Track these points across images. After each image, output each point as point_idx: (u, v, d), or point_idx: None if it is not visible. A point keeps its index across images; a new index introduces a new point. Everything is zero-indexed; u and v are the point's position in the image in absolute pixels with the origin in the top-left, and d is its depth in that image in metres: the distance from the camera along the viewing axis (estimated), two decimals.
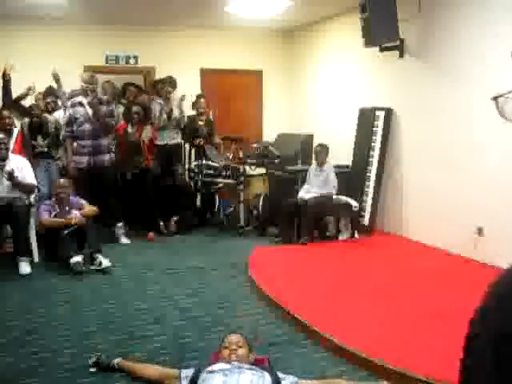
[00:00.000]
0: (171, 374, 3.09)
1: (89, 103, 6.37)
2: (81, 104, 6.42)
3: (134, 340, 3.82)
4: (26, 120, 6.59)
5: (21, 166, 5.72)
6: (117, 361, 3.32)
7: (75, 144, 6.45)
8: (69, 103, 6.52)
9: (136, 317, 4.28)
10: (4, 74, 6.76)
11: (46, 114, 6.73)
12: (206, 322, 4.15)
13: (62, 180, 5.95)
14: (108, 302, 4.65)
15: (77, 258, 5.35)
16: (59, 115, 6.92)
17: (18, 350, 3.67)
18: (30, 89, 6.83)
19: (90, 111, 6.39)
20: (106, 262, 5.45)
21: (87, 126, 6.38)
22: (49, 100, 7.05)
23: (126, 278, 5.33)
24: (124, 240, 6.64)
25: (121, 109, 7.39)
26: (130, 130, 7.04)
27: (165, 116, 7.23)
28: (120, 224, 6.70)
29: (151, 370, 3.23)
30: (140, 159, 7.10)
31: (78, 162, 6.43)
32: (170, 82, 7.50)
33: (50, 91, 7.15)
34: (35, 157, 6.38)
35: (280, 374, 2.92)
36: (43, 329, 4.05)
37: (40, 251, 5.79)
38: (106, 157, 6.53)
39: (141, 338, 3.84)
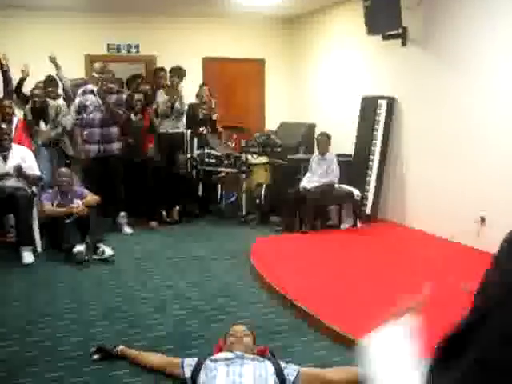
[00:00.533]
0: (173, 363, 3.11)
1: (98, 93, 6.36)
2: (92, 92, 6.42)
3: (136, 329, 3.84)
4: (28, 106, 6.59)
5: (24, 157, 5.73)
6: (120, 348, 3.35)
7: (85, 132, 6.43)
8: (80, 90, 6.49)
9: (138, 306, 4.30)
10: (0, 65, 6.74)
11: (48, 99, 6.72)
12: (208, 311, 4.16)
13: (63, 169, 5.95)
14: (110, 291, 4.67)
15: (79, 248, 5.37)
16: (60, 103, 6.93)
17: (23, 339, 3.69)
18: (23, 70, 6.83)
19: (100, 100, 6.40)
20: (108, 251, 5.47)
21: (97, 115, 6.38)
22: (49, 89, 7.04)
23: (128, 267, 5.34)
24: (127, 229, 6.66)
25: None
26: (133, 118, 7.02)
27: (168, 104, 7.19)
28: (123, 213, 6.71)
29: (154, 358, 3.25)
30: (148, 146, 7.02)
31: (87, 151, 6.42)
32: (179, 72, 7.44)
33: (50, 80, 7.13)
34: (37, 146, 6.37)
35: (282, 363, 2.94)
36: (47, 318, 4.07)
37: (43, 241, 5.80)
38: (115, 145, 6.52)
39: (143, 327, 3.85)
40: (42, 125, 6.54)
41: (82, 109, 6.41)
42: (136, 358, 3.29)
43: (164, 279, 4.96)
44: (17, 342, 3.66)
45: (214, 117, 7.69)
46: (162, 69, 7.63)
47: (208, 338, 3.59)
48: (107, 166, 6.48)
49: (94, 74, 6.52)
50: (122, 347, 3.36)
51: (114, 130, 6.51)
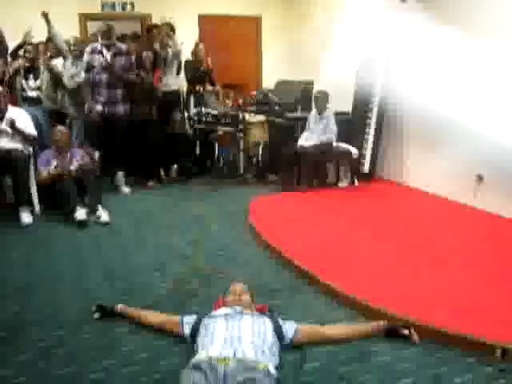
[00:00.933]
0: (173, 321, 3.14)
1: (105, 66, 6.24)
2: (100, 52, 6.27)
3: (135, 288, 3.86)
4: (19, 62, 6.48)
5: (20, 117, 5.67)
6: (119, 306, 3.38)
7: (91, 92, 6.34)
8: (88, 49, 6.34)
9: (137, 266, 4.32)
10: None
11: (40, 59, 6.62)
12: (207, 270, 4.19)
13: (60, 127, 5.88)
14: (110, 251, 4.69)
15: (81, 212, 5.36)
16: (57, 62, 6.85)
17: (23, 299, 3.72)
18: (26, 35, 6.71)
19: (108, 59, 6.24)
20: (104, 217, 5.45)
21: (104, 76, 6.26)
22: (51, 49, 6.97)
23: (127, 227, 5.35)
24: (125, 189, 6.65)
25: None
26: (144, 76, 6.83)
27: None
28: (121, 173, 6.68)
29: (153, 316, 3.28)
30: (152, 107, 6.90)
31: (91, 110, 6.33)
32: (170, 27, 7.33)
33: (50, 40, 7.03)
34: (23, 102, 6.27)
35: (280, 320, 2.98)
36: (47, 278, 4.09)
37: (41, 202, 5.79)
38: (121, 107, 6.43)
39: (143, 287, 3.88)
40: (31, 82, 6.44)
41: (89, 68, 6.28)
42: (135, 317, 3.32)
43: (163, 239, 4.97)
44: (17, 302, 3.68)
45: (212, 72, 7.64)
46: (156, 26, 7.53)
47: (207, 297, 3.62)
48: (111, 127, 6.36)
49: (98, 36, 6.36)
50: (121, 305, 3.39)
51: (120, 91, 6.39)
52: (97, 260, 4.48)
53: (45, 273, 4.21)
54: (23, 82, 6.48)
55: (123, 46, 6.49)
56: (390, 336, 3.07)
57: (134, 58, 6.63)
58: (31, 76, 6.47)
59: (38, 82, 6.54)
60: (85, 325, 3.32)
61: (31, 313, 3.53)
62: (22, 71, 6.45)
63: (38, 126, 6.27)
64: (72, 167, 5.61)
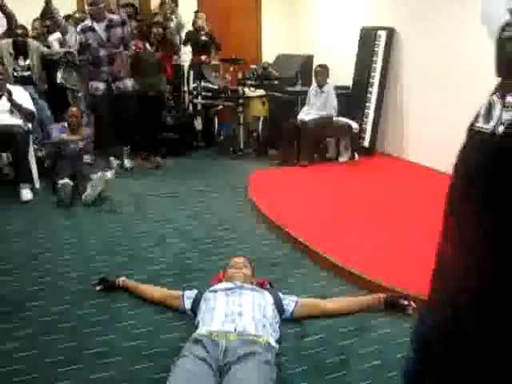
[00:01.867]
0: (174, 295, 3.16)
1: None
2: (91, 29, 6.04)
3: (136, 262, 3.89)
4: (7, 40, 6.40)
5: (17, 93, 5.64)
6: (121, 279, 3.40)
7: (91, 68, 6.21)
8: (78, 28, 6.17)
9: (137, 240, 4.33)
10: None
11: (30, 39, 6.53)
12: (207, 244, 4.21)
13: (74, 109, 5.77)
14: (110, 225, 4.70)
15: (66, 180, 5.29)
16: (56, 37, 6.78)
17: (24, 274, 3.74)
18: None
19: (103, 35, 6.03)
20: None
21: (102, 52, 6.05)
22: (48, 23, 6.92)
23: (127, 202, 5.36)
24: (128, 164, 6.57)
25: None
26: (149, 48, 6.78)
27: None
28: (126, 148, 6.63)
29: (154, 291, 3.30)
30: (158, 81, 6.82)
31: (94, 88, 6.20)
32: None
33: (46, 13, 6.95)
34: (15, 83, 6.13)
35: (280, 294, 3.00)
36: (47, 253, 4.11)
37: (41, 178, 5.78)
38: (128, 82, 6.28)
39: (143, 261, 3.90)
40: (21, 61, 6.37)
41: (85, 47, 6.11)
42: (137, 290, 3.34)
43: (163, 213, 4.98)
44: (18, 277, 3.70)
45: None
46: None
47: (208, 270, 3.65)
48: (118, 103, 6.22)
49: (86, 7, 6.19)
50: (123, 278, 3.42)
51: (122, 66, 6.20)
52: (97, 234, 4.49)
53: (45, 247, 4.23)
54: (13, 62, 6.39)
55: (115, 17, 6.19)
56: (390, 307, 3.09)
57: (129, 28, 6.34)
58: (21, 57, 6.37)
59: (28, 62, 6.44)
60: (86, 300, 3.34)
61: (33, 287, 3.54)
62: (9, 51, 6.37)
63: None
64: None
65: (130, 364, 2.67)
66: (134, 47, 6.49)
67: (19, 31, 6.35)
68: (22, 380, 2.58)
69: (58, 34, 6.79)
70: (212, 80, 7.32)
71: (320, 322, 3.02)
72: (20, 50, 6.35)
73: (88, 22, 6.12)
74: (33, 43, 6.48)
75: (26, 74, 6.40)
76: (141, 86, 6.52)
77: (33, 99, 6.07)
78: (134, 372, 2.61)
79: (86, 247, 4.21)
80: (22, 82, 6.26)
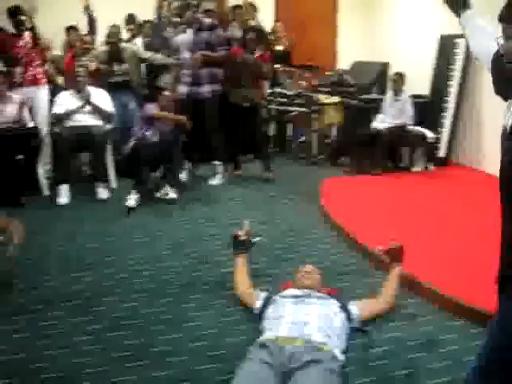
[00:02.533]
0: (252, 292, 3.21)
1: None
2: (184, 31, 6.06)
3: (204, 264, 3.94)
4: (102, 48, 6.64)
5: (97, 95, 5.85)
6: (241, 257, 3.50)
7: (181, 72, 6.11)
8: (171, 30, 6.33)
9: (207, 242, 4.38)
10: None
11: (123, 44, 6.73)
12: (276, 250, 4.21)
13: (167, 93, 5.72)
14: (180, 227, 4.78)
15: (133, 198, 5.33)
16: (138, 42, 7.01)
17: (98, 271, 3.87)
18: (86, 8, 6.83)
19: (191, 38, 5.92)
20: (172, 194, 5.48)
21: (187, 55, 5.95)
22: (131, 27, 7.26)
23: (197, 204, 5.43)
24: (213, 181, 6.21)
25: None
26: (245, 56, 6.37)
27: None
28: (219, 163, 6.20)
29: (245, 282, 3.36)
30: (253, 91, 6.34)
31: (179, 93, 6.10)
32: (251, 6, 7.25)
33: (129, 18, 7.24)
34: (109, 88, 6.28)
35: (347, 303, 2.96)
36: (120, 251, 4.23)
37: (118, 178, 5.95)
38: (206, 88, 6.03)
39: (212, 263, 3.94)
40: (116, 66, 6.55)
41: (177, 49, 6.08)
42: (237, 270, 3.43)
43: (233, 217, 5.01)
44: (92, 273, 3.83)
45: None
46: (239, 6, 7.50)
47: (276, 276, 3.65)
48: (197, 109, 6.00)
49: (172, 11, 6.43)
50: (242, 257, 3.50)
51: (205, 71, 5.97)
52: (167, 235, 4.58)
53: (117, 245, 4.36)
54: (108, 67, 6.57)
55: (206, 20, 6.01)
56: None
57: (218, 31, 6.11)
58: (116, 62, 6.49)
59: (124, 67, 6.55)
60: (155, 298, 3.42)
61: (106, 284, 3.66)
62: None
63: (123, 109, 6.38)
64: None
65: (193, 364, 2.71)
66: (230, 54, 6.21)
67: (111, 37, 6.56)
68: (91, 372, 2.67)
69: (139, 40, 7.02)
70: (287, 86, 7.32)
71: (387, 333, 2.96)
72: (114, 55, 6.52)
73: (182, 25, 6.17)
74: (128, 48, 6.67)
75: (122, 79, 6.54)
76: (235, 97, 6.22)
77: (124, 106, 6.31)
78: (196, 372, 2.64)
79: (157, 247, 4.31)
80: (118, 86, 6.43)
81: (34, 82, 5.94)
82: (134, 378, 2.61)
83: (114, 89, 6.29)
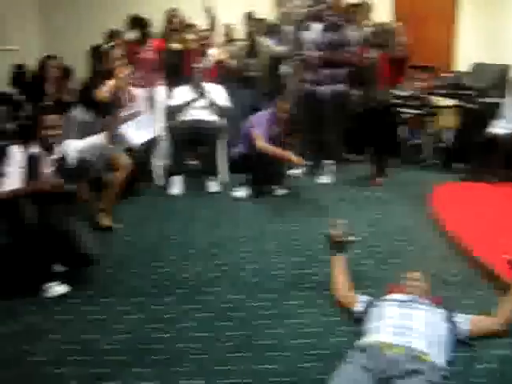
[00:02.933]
0: (351, 295, 3.18)
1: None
2: (307, 28, 5.98)
3: (311, 263, 3.94)
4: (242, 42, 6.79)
5: (214, 90, 6.00)
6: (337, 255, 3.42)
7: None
8: (299, 26, 6.23)
9: (314, 241, 4.35)
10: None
11: (261, 37, 6.83)
12: (383, 253, 4.15)
13: (284, 104, 5.53)
14: (290, 224, 4.79)
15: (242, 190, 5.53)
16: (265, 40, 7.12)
17: (205, 261, 4.01)
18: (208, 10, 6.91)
19: (315, 36, 5.84)
20: (281, 191, 5.61)
21: (311, 52, 5.85)
22: (250, 24, 7.27)
23: (307, 202, 5.45)
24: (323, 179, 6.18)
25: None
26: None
27: None
28: (333, 162, 6.17)
29: (344, 282, 3.30)
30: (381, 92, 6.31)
31: (300, 90, 6.10)
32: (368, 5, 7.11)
33: (248, 17, 7.40)
34: (238, 82, 6.41)
35: (454, 314, 2.87)
36: (228, 243, 4.35)
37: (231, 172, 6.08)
38: (327, 88, 5.89)
39: (318, 263, 3.90)
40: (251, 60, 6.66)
41: (301, 45, 6.01)
42: (335, 270, 3.37)
43: (341, 217, 4.96)
44: (200, 263, 3.98)
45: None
46: (359, 4, 7.41)
47: (382, 279, 3.59)
48: (318, 109, 5.95)
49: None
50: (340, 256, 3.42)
51: (327, 71, 5.84)
52: (276, 231, 4.63)
53: (226, 238, 4.47)
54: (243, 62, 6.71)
55: (334, 19, 5.84)
56: None
57: (346, 30, 5.89)
58: (251, 57, 6.63)
59: (256, 61, 6.61)
60: (260, 293, 3.49)
61: (213, 274, 3.79)
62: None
63: (240, 105, 6.38)
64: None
65: (295, 361, 2.74)
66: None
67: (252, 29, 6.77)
68: (195, 358, 2.79)
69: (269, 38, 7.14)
70: (401, 86, 7.16)
71: (494, 350, 2.83)
72: (250, 49, 6.68)
73: (305, 22, 6.10)
74: (262, 42, 6.77)
75: (253, 74, 6.64)
76: (365, 98, 6.18)
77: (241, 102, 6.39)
78: (298, 369, 2.67)
79: (264, 242, 4.38)
80: (245, 82, 6.58)
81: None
82: (236, 368, 2.69)
83: (242, 85, 6.43)
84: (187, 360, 2.76)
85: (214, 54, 6.55)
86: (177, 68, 6.29)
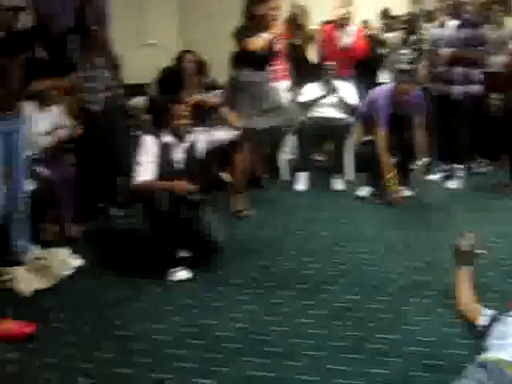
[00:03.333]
0: (474, 306, 3.01)
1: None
2: (442, 25, 5.84)
3: (431, 270, 3.85)
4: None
5: (344, 88, 6.02)
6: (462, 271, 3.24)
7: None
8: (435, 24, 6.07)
9: (436, 248, 4.22)
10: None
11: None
12: (510, 266, 3.95)
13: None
14: (412, 226, 4.74)
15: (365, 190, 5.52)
16: (392, 35, 7.17)
17: (325, 258, 4.05)
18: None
19: (450, 32, 5.69)
20: (406, 192, 5.51)
21: (444, 50, 5.68)
22: (385, 21, 7.56)
23: (429, 207, 5.37)
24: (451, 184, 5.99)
25: None
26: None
27: None
28: (461, 166, 5.99)
29: (465, 294, 3.12)
30: None
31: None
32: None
33: (384, 13, 7.56)
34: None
35: None
36: (348, 243, 4.36)
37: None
38: (459, 88, 5.68)
39: (442, 270, 3.77)
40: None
41: (435, 42, 5.87)
42: (459, 284, 3.18)
43: (469, 226, 4.76)
44: (320, 260, 4.02)
45: None
46: (497, 1, 7.01)
47: (505, 293, 3.42)
48: (449, 110, 5.78)
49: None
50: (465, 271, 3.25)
51: (459, 70, 5.64)
52: (398, 232, 4.59)
53: (347, 237, 4.49)
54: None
55: (468, 16, 5.71)
56: None
57: (483, 30, 5.72)
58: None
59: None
60: (378, 295, 3.47)
61: (331, 272, 3.82)
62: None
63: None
64: None
65: (407, 369, 2.69)
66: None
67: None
68: (308, 354, 2.83)
69: (392, 34, 7.07)
70: None
71: None
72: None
73: (442, 18, 5.93)
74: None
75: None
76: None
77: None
78: (409, 378, 2.62)
79: (385, 244, 4.33)
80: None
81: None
82: (348, 369, 2.69)
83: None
84: (299, 355, 2.81)
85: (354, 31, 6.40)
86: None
